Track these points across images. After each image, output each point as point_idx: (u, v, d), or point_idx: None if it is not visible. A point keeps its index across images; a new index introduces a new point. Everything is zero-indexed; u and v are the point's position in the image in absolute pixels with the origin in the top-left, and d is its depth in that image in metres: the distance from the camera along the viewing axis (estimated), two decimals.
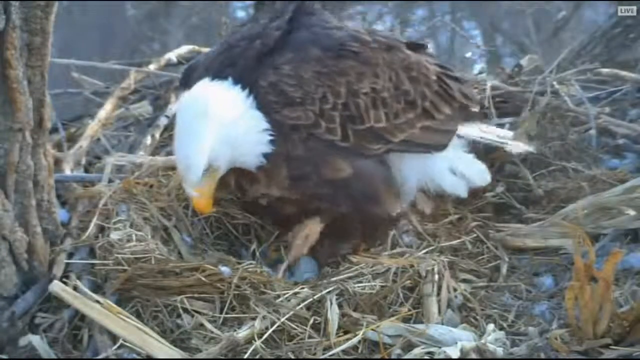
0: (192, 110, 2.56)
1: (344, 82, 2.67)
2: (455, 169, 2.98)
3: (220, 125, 2.51)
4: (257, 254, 2.79)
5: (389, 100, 2.76)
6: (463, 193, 3.00)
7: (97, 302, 2.33)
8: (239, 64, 2.66)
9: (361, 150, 2.70)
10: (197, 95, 2.60)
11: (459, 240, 2.87)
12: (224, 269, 2.46)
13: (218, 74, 2.64)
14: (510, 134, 3.35)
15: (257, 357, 2.23)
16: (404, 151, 2.83)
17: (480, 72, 5.36)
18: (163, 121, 3.97)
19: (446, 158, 2.95)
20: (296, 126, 2.59)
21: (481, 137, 3.17)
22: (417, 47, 3.01)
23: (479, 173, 3.06)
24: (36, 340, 2.36)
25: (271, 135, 2.56)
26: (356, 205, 2.67)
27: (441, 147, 2.93)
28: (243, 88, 2.59)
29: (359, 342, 2.27)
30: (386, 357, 2.23)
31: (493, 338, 2.24)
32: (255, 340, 2.24)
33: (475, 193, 3.17)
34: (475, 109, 3.14)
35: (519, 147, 3.24)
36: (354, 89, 2.68)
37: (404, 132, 2.80)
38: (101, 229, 2.75)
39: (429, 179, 2.95)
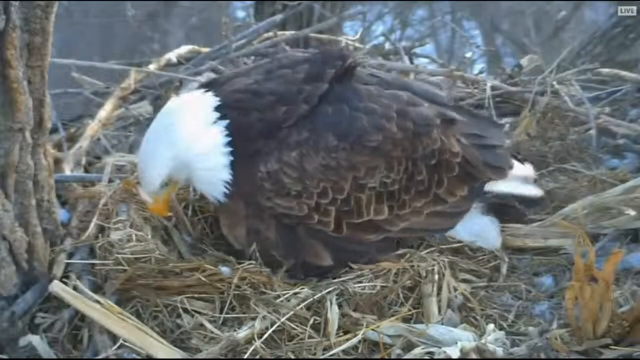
0: (171, 120, 2.55)
1: (351, 178, 2.52)
2: (469, 234, 2.83)
3: (186, 151, 2.51)
4: (257, 254, 2.79)
5: (396, 193, 2.60)
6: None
7: (97, 302, 2.32)
8: (249, 120, 2.53)
9: (353, 240, 2.59)
10: (182, 107, 2.59)
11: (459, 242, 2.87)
12: (224, 269, 2.46)
13: (224, 109, 2.55)
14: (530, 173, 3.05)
15: (257, 357, 2.22)
16: (401, 237, 2.72)
17: (480, 72, 5.38)
18: None
19: (457, 229, 2.81)
20: (287, 215, 2.52)
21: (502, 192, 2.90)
22: (451, 121, 2.74)
23: (492, 238, 2.86)
24: (36, 340, 2.35)
25: (226, 189, 2.53)
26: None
27: (447, 230, 2.79)
28: (230, 135, 2.51)
29: (359, 342, 2.26)
30: (386, 357, 2.22)
31: (493, 338, 2.24)
32: (255, 340, 2.24)
33: None
34: (505, 174, 2.87)
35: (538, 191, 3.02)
36: (360, 184, 2.53)
37: (406, 220, 2.66)
38: (101, 229, 2.75)
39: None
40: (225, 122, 2.53)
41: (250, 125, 2.52)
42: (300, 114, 2.52)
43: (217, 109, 2.56)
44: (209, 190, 2.61)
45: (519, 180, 2.96)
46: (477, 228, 2.84)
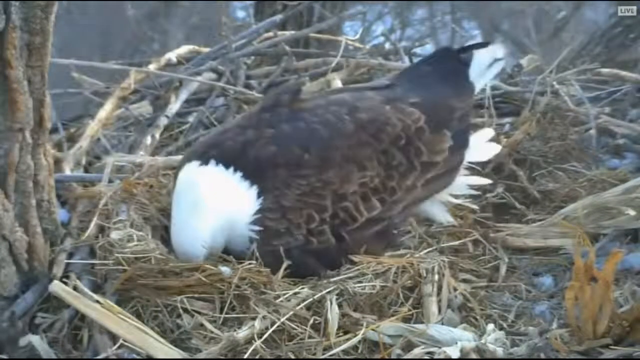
0: (189, 197, 2.52)
1: (329, 194, 2.52)
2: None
3: (219, 213, 2.50)
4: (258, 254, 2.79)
5: (380, 186, 2.59)
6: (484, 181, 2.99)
7: (97, 302, 2.32)
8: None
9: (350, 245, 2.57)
10: (193, 181, 2.57)
11: (459, 241, 2.87)
12: (224, 269, 2.45)
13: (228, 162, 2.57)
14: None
15: (257, 357, 2.22)
16: (407, 215, 2.72)
17: None
18: (163, 121, 3.97)
19: None
20: (286, 250, 2.50)
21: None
22: (398, 99, 2.75)
23: (488, 150, 2.98)
24: (36, 340, 2.35)
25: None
26: None
27: (447, 186, 2.81)
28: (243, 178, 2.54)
29: (359, 342, 2.26)
30: (386, 357, 2.23)
31: (493, 338, 2.24)
32: (255, 340, 2.24)
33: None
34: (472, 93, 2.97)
35: None
36: (340, 194, 2.53)
37: (403, 200, 2.65)
38: (101, 229, 2.75)
39: (452, 201, 2.92)
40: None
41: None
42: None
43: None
44: (244, 238, 2.56)
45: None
46: (475, 156, 2.90)
